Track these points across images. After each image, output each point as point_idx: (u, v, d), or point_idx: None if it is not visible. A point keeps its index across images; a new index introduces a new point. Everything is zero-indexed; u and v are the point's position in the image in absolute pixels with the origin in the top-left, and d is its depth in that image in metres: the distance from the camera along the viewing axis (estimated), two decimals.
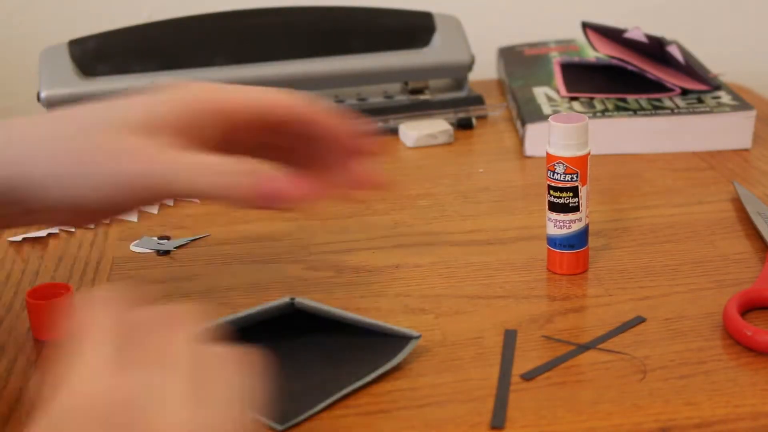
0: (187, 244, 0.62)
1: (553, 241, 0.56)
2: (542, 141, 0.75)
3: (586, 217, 0.56)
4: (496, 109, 0.85)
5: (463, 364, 0.48)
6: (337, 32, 0.83)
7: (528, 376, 0.47)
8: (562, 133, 0.55)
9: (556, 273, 0.57)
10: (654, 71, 0.78)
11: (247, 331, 0.47)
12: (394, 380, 0.46)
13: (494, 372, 0.47)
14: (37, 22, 0.93)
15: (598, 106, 0.77)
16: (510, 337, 0.50)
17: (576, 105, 0.77)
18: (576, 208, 0.55)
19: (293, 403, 0.44)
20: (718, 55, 0.91)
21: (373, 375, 0.46)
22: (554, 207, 0.55)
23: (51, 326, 0.51)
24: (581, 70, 0.84)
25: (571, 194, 0.55)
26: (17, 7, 0.93)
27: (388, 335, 0.48)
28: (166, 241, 0.62)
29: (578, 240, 0.56)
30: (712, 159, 0.73)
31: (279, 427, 0.43)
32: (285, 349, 0.48)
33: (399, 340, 0.48)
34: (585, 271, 0.57)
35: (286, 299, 0.47)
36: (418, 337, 0.48)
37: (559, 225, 0.55)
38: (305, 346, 0.49)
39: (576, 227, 0.55)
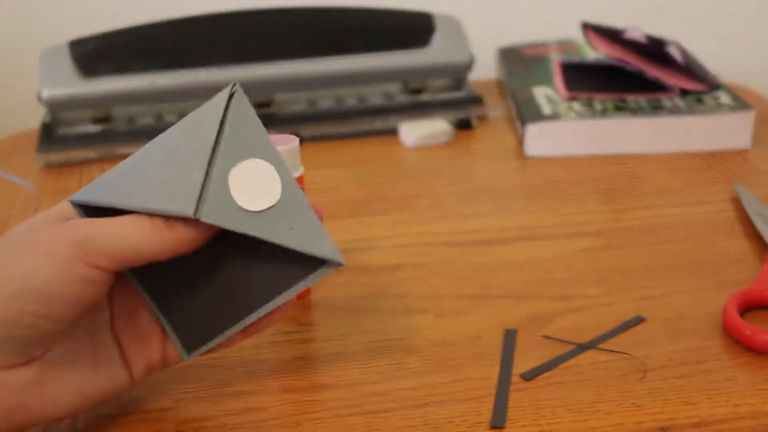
0: None
1: None
2: (542, 141, 0.76)
3: None
4: (495, 109, 0.85)
5: (463, 364, 0.48)
6: (337, 32, 0.83)
7: (528, 376, 0.47)
8: None
9: None
10: (653, 71, 0.79)
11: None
12: (394, 380, 0.47)
13: (494, 372, 0.47)
14: (37, 21, 0.93)
15: (598, 107, 0.77)
16: (510, 337, 0.50)
17: (576, 105, 0.77)
18: None
19: (203, 330, 0.43)
20: (718, 55, 0.92)
21: (282, 299, 0.43)
22: None
23: None
24: (581, 70, 0.84)
25: None
26: (17, 6, 0.93)
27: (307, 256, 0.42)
28: None
29: None
30: (711, 159, 0.73)
31: (186, 359, 0.43)
32: (193, 270, 0.43)
33: (314, 261, 0.42)
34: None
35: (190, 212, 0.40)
36: (340, 264, 0.42)
37: None
38: (213, 263, 0.44)
39: None
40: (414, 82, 0.84)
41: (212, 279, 0.44)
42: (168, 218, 0.39)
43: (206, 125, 0.41)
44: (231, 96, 0.42)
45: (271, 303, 0.43)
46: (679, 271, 0.56)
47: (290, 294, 0.43)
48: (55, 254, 0.38)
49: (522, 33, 0.99)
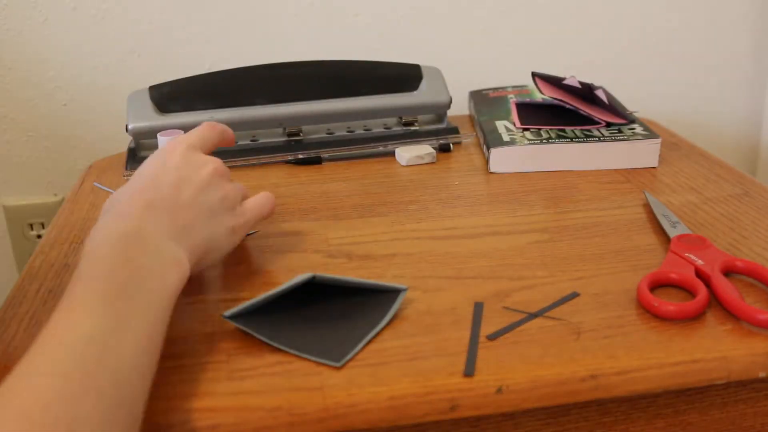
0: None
1: None
2: (503, 161, 0.76)
3: None
4: (468, 137, 0.85)
5: (443, 328, 0.48)
6: (348, 79, 0.83)
7: (492, 337, 0.47)
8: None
9: None
10: (585, 109, 0.79)
11: (278, 302, 0.48)
12: (391, 340, 0.47)
13: (466, 334, 0.47)
14: (126, 73, 0.93)
15: (544, 135, 0.77)
16: (478, 308, 0.50)
17: (527, 134, 0.77)
18: None
19: (338, 347, 0.45)
20: (633, 97, 0.92)
21: (385, 321, 0.47)
22: None
23: None
24: (531, 108, 0.84)
25: None
26: (112, 63, 0.93)
27: (383, 291, 0.49)
28: None
29: None
30: (628, 174, 0.73)
31: (337, 365, 0.44)
32: (314, 311, 0.49)
33: (392, 294, 0.49)
34: None
35: (308, 274, 0.48)
36: (405, 290, 0.49)
37: None
38: (327, 308, 0.49)
39: None
40: (407, 116, 0.85)
41: (326, 317, 0.48)
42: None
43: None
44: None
45: (381, 323, 0.47)
46: (604, 258, 0.56)
47: (391, 314, 0.48)
48: None
49: (487, 80, 0.99)
